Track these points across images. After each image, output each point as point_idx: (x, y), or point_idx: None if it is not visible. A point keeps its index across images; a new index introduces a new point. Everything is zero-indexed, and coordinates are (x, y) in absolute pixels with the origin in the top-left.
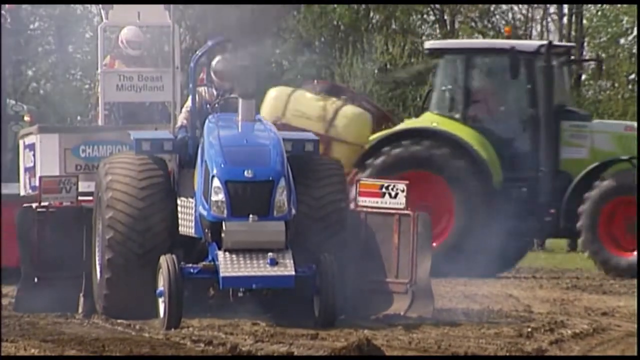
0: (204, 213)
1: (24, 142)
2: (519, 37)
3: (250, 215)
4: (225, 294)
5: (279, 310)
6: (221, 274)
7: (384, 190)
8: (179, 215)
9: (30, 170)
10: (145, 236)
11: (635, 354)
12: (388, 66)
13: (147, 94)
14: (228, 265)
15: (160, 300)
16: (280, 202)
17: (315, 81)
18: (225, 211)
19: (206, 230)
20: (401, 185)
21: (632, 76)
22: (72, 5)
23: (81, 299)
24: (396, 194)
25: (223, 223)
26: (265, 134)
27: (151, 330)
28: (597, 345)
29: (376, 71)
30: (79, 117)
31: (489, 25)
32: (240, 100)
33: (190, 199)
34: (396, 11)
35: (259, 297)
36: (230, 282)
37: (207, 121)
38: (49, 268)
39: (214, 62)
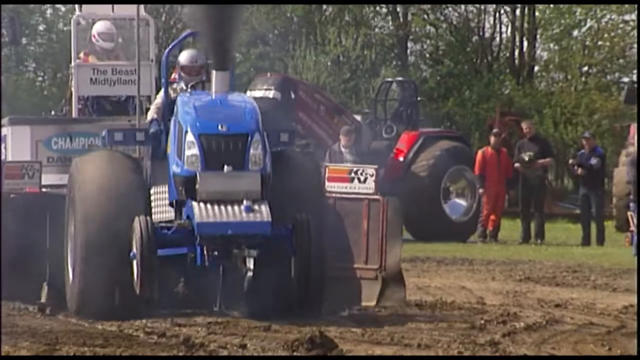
0: (177, 170)
1: None
2: (471, 30)
3: (225, 166)
4: (197, 290)
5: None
6: (196, 220)
7: (352, 175)
8: (152, 203)
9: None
10: (119, 235)
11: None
12: (341, 58)
13: (121, 87)
14: (203, 213)
15: (134, 262)
16: (255, 156)
17: (269, 74)
18: (199, 165)
19: (180, 188)
20: (370, 170)
21: (585, 68)
22: None
23: (45, 288)
24: (365, 179)
25: (197, 175)
26: (240, 99)
27: (104, 323)
28: (550, 337)
29: (329, 63)
30: (52, 112)
31: (442, 18)
32: (214, 73)
33: (164, 186)
34: (349, 3)
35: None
36: (205, 227)
37: (179, 97)
38: (11, 257)
39: (180, 57)
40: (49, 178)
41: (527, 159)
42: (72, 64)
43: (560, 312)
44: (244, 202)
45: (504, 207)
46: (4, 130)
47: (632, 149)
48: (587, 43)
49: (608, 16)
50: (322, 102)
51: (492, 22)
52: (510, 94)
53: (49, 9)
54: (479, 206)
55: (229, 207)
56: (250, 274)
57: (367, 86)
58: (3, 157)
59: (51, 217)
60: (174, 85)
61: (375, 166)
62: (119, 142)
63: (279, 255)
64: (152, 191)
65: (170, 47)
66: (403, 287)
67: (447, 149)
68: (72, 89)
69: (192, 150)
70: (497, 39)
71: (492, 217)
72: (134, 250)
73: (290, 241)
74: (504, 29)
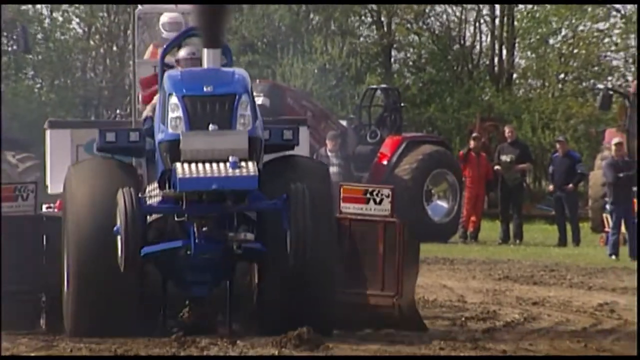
0: (162, 136)
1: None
2: (452, 39)
3: (210, 124)
4: (201, 313)
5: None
6: (178, 176)
7: (368, 195)
8: (148, 200)
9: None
10: (113, 264)
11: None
12: (327, 66)
13: None
14: (186, 170)
15: (118, 238)
16: (244, 117)
17: (258, 80)
18: (183, 126)
19: (165, 154)
20: (386, 191)
21: (562, 75)
22: (23, 6)
23: (43, 315)
24: (381, 200)
25: (180, 136)
26: (230, 70)
27: None
28: (528, 334)
29: (316, 71)
30: (117, 111)
31: (424, 27)
32: (205, 51)
33: (153, 183)
34: (335, 13)
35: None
36: (188, 184)
37: (166, 72)
38: (7, 284)
39: (179, 52)
40: None
41: (508, 160)
42: (133, 61)
43: (537, 309)
44: (230, 158)
45: (484, 208)
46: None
47: (607, 152)
48: (563, 51)
49: (583, 25)
50: (309, 108)
51: (472, 31)
52: (490, 100)
53: (47, 19)
54: (459, 208)
55: (214, 164)
56: (258, 291)
57: (352, 93)
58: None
59: (47, 241)
60: None
61: (392, 186)
62: (111, 143)
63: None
64: (148, 189)
65: (167, 45)
66: (419, 316)
67: (429, 153)
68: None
69: (175, 113)
70: (477, 47)
71: (473, 218)
72: (118, 224)
73: (285, 213)
74: (483, 38)
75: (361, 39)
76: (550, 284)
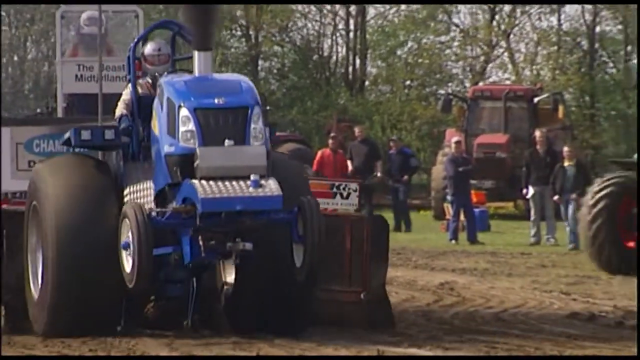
0: (171, 149)
1: None
2: (312, 50)
3: (226, 140)
4: (165, 310)
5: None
6: (200, 196)
7: (334, 190)
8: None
9: None
10: (93, 248)
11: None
12: None
13: (109, 84)
14: (207, 189)
15: (126, 253)
16: (256, 131)
17: None
18: (197, 141)
19: (174, 168)
20: (353, 185)
21: (408, 82)
22: None
23: (2, 311)
24: (348, 194)
25: (197, 151)
26: (232, 76)
27: None
28: None
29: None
30: (38, 110)
31: (287, 39)
32: (196, 53)
33: (139, 184)
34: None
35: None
36: (211, 204)
37: (161, 79)
38: None
39: (144, 48)
40: None
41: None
42: (57, 59)
43: (387, 288)
44: (251, 176)
45: None
46: None
47: (448, 150)
48: (410, 61)
49: (426, 38)
50: None
51: (329, 43)
52: (345, 103)
53: None
54: None
55: (234, 183)
56: (227, 288)
57: None
58: None
59: (8, 237)
60: (140, 81)
61: (359, 180)
62: (87, 141)
63: (269, 257)
64: (125, 192)
65: (137, 39)
66: (390, 310)
67: (292, 150)
68: (57, 87)
69: (187, 126)
70: (334, 57)
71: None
72: (128, 239)
73: (294, 226)
74: (340, 49)
75: (232, 49)
76: (397, 265)
